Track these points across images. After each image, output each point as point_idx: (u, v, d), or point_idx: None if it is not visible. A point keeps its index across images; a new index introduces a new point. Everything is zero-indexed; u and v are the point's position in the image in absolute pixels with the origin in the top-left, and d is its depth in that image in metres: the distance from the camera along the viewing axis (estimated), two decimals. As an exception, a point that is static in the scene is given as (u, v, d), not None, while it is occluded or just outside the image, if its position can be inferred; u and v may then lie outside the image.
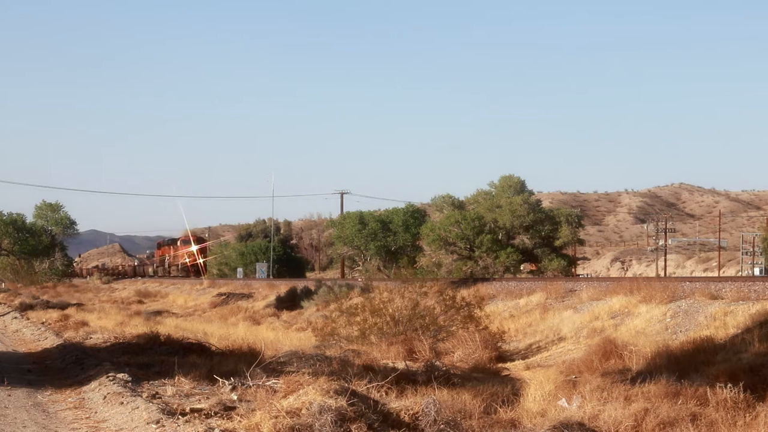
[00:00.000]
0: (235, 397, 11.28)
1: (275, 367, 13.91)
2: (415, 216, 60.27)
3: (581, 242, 63.27)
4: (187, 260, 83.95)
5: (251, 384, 11.99)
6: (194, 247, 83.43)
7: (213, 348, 18.28)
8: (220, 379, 12.56)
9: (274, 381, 12.03)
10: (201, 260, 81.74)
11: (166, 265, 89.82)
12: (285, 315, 36.76)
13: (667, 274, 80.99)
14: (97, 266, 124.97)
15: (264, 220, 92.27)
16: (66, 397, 12.91)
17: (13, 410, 11.50)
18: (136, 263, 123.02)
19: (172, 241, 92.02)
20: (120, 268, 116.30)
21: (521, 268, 51.32)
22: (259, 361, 13.16)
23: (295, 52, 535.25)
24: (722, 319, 19.23)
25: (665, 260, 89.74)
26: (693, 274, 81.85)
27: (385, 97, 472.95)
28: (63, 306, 37.80)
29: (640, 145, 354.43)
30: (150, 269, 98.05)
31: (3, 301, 45.03)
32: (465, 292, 26.32)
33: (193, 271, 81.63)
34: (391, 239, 59.43)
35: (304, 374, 12.04)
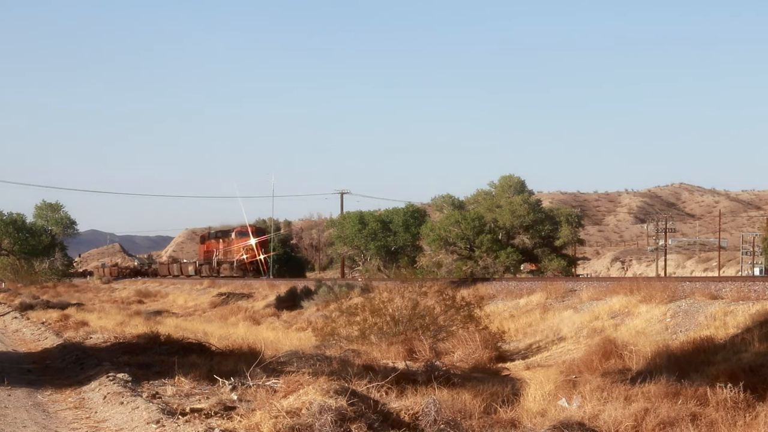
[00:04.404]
0: (235, 397, 11.28)
1: (275, 367, 13.90)
2: (415, 216, 60.29)
3: (581, 242, 63.35)
4: (245, 256, 68.79)
5: (251, 384, 11.99)
6: (253, 240, 68.73)
7: (213, 348, 18.27)
8: (220, 379, 12.55)
9: (274, 381, 12.03)
10: (262, 256, 67.97)
11: (214, 263, 73.83)
12: (285, 315, 36.73)
13: (667, 274, 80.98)
14: (116, 265, 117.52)
15: (264, 220, 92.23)
16: (66, 397, 12.91)
17: (13, 410, 11.49)
18: (136, 263, 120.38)
19: (223, 234, 75.98)
20: (146, 267, 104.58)
21: (521, 268, 51.35)
22: (259, 361, 13.16)
23: (296, 52, 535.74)
24: (722, 319, 19.22)
25: (665, 260, 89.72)
26: (693, 274, 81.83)
27: (385, 97, 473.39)
28: (63, 306, 37.79)
29: (640, 145, 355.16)
30: (190, 267, 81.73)
31: (3, 301, 45.04)
32: (465, 292, 26.29)
33: (253, 270, 67.72)
34: (391, 239, 59.44)
35: (304, 374, 12.04)
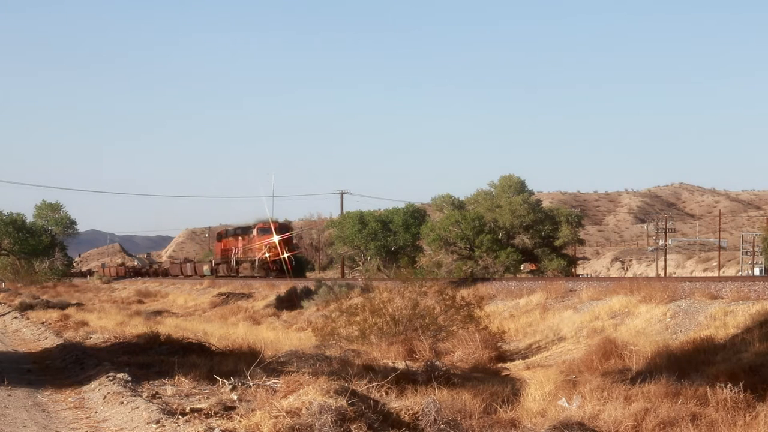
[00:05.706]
0: (235, 397, 11.27)
1: (275, 367, 13.90)
2: (415, 216, 60.32)
3: (581, 242, 63.42)
4: (267, 255, 63.56)
5: (251, 384, 11.99)
6: (276, 238, 63.21)
7: (213, 348, 18.26)
8: (220, 379, 12.55)
9: (274, 381, 12.03)
10: (286, 255, 62.41)
11: (233, 262, 68.73)
12: (285, 315, 36.72)
13: (667, 274, 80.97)
14: (122, 265, 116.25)
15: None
16: (66, 396, 12.91)
17: (13, 410, 11.49)
18: (136, 263, 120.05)
19: (243, 231, 69.73)
20: (155, 267, 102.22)
21: (521, 268, 51.35)
22: (259, 361, 13.15)
23: (296, 52, 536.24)
24: (722, 319, 19.21)
25: (665, 260, 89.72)
26: (693, 274, 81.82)
27: (385, 97, 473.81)
28: (63, 306, 37.76)
29: (640, 145, 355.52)
30: (206, 267, 77.00)
31: (3, 301, 45.02)
32: (465, 292, 26.29)
33: (276, 269, 62.59)
34: (391, 239, 59.44)
35: (304, 374, 12.04)
